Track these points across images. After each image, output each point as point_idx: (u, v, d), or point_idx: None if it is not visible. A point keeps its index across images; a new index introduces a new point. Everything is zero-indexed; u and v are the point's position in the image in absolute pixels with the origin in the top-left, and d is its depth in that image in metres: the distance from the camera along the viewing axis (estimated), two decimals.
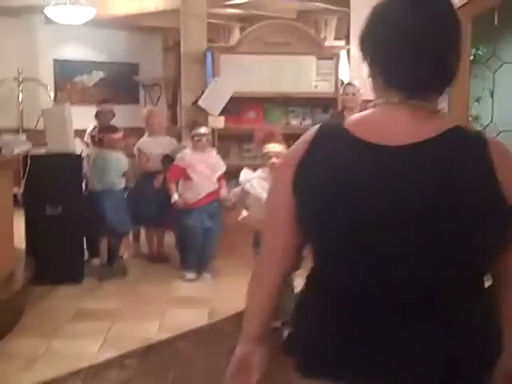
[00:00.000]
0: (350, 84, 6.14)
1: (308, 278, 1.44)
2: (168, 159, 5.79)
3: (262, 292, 1.46)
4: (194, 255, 5.46)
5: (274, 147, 3.81)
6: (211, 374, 3.53)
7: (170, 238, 6.13)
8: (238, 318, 4.40)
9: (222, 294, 5.02)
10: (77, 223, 5.27)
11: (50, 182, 5.07)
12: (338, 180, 1.29)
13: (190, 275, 5.41)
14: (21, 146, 4.85)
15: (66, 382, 3.39)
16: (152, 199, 5.81)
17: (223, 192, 5.51)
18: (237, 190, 4.00)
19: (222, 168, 5.58)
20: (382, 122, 1.31)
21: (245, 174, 3.96)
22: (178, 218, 5.50)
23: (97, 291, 5.10)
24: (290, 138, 6.63)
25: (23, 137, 5.47)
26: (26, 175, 4.92)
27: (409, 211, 1.24)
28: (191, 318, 4.43)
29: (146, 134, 6.11)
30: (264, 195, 3.68)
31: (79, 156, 5.45)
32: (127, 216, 5.60)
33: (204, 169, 5.43)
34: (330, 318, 1.33)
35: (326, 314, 1.34)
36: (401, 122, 1.29)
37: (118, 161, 5.60)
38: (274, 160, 3.75)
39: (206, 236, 5.43)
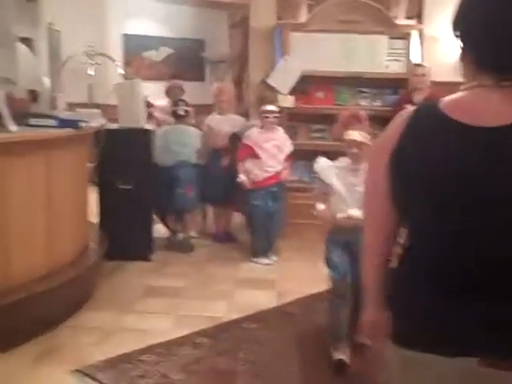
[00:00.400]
0: (419, 65, 6.02)
1: (401, 255, 1.51)
2: (236, 137, 5.78)
3: (371, 275, 1.62)
4: (263, 238, 5.45)
5: (355, 135, 3.51)
6: (280, 356, 3.53)
7: (238, 219, 6.15)
8: (305, 301, 4.41)
9: (288, 276, 5.02)
10: (147, 199, 5.34)
11: (122, 157, 5.15)
12: (431, 159, 1.34)
13: (264, 261, 5.39)
14: (96, 119, 4.92)
15: (141, 356, 3.44)
16: (219, 177, 5.81)
17: (285, 173, 5.49)
18: (318, 184, 3.72)
19: (289, 147, 5.54)
20: (475, 104, 1.34)
21: (321, 162, 3.72)
22: (245, 198, 5.50)
23: (165, 269, 5.17)
24: None
25: (97, 111, 5.53)
26: (100, 149, 4.99)
27: (497, 193, 1.27)
28: (259, 300, 4.44)
29: (215, 111, 6.10)
30: (341, 188, 3.51)
31: (149, 131, 5.51)
32: (195, 193, 5.66)
33: (271, 147, 5.40)
34: (426, 293, 1.40)
35: (423, 290, 1.41)
36: (494, 104, 1.31)
37: (193, 136, 5.69)
38: (355, 150, 3.41)
39: (270, 217, 5.41)
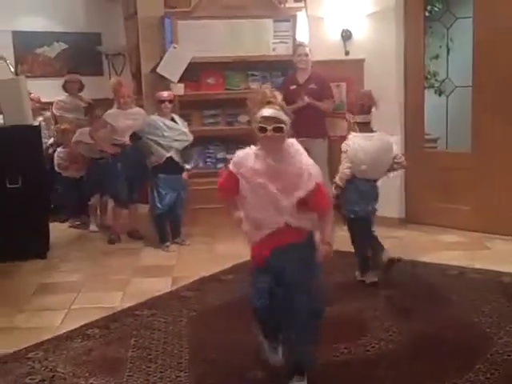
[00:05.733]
0: (300, 45, 6.07)
1: None
2: (136, 137, 5.62)
3: None
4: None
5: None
6: (171, 339, 3.57)
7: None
8: (199, 283, 4.45)
9: (186, 261, 5.13)
10: (39, 197, 5.27)
11: (9, 155, 5.05)
12: None
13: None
14: None
15: (29, 354, 3.42)
16: (122, 174, 5.79)
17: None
18: None
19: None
20: None
21: None
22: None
23: (61, 265, 5.14)
24: None
25: None
26: None
27: None
28: (154, 287, 4.48)
29: (114, 106, 6.00)
30: None
31: (37, 127, 5.44)
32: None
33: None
34: None
35: None
36: None
37: None
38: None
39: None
